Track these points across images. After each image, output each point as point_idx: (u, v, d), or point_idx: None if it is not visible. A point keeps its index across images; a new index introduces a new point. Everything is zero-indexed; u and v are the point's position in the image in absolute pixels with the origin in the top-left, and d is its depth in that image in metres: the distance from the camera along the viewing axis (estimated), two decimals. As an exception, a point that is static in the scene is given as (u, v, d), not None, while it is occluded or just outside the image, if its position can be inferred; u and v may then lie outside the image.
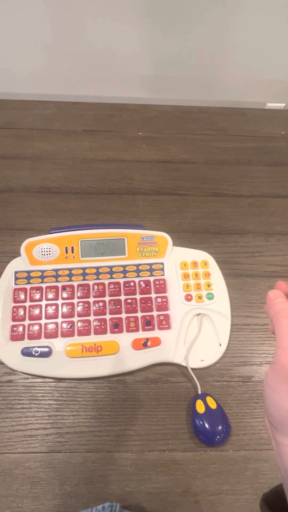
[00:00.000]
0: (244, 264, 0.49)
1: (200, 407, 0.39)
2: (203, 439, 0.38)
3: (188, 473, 0.38)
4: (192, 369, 0.41)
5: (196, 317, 0.44)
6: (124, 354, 0.41)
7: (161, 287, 0.44)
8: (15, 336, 0.41)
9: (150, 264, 0.45)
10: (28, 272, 0.44)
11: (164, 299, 0.44)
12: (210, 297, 0.44)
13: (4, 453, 0.38)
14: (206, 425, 0.38)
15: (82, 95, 0.63)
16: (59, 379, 0.41)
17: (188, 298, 0.44)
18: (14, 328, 0.41)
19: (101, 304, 0.43)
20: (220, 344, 0.43)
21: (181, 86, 0.63)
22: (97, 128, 0.60)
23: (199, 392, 0.40)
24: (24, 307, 0.42)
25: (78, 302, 0.43)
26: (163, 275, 0.45)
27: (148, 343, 0.41)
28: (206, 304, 0.44)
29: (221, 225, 0.52)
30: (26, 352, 0.40)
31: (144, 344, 0.41)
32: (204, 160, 0.58)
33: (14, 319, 0.42)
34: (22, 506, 0.36)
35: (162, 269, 0.45)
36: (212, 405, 0.39)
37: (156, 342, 0.42)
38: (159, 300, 0.44)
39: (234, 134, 0.61)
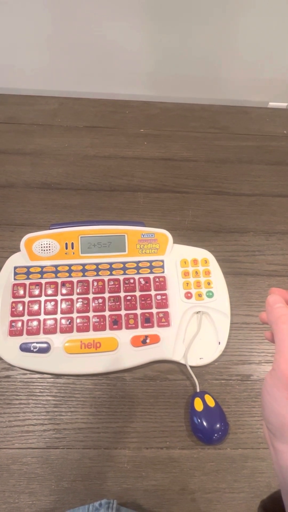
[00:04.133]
0: (245, 263, 0.49)
1: (198, 405, 0.39)
2: (201, 437, 0.38)
3: (186, 470, 0.38)
4: (191, 367, 0.41)
5: (195, 315, 0.44)
6: (123, 351, 0.41)
7: (161, 284, 0.44)
8: (14, 332, 0.41)
9: (150, 261, 0.45)
10: (28, 267, 0.44)
11: (163, 297, 0.43)
12: (210, 295, 0.44)
13: (1, 448, 0.38)
14: (204, 423, 0.38)
15: (84, 91, 0.62)
16: (58, 375, 0.41)
17: (188, 295, 0.44)
18: (13, 324, 0.41)
19: (100, 300, 0.43)
20: (219, 343, 0.42)
21: (183, 83, 0.63)
22: (99, 124, 0.59)
23: (198, 390, 0.40)
24: (23, 303, 0.42)
25: (78, 298, 0.43)
26: (163, 272, 0.45)
27: (147, 340, 0.41)
28: (206, 302, 0.43)
29: (221, 224, 0.52)
30: (25, 348, 0.40)
31: (143, 341, 0.41)
32: (206, 158, 0.57)
33: (13, 315, 0.41)
34: (18, 502, 0.36)
35: (162, 267, 0.45)
36: (211, 403, 0.39)
37: (155, 339, 0.41)
38: (158, 297, 0.43)
39: (236, 132, 0.60)
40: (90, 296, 0.43)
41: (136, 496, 0.36)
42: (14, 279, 0.43)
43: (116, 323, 0.42)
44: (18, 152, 0.55)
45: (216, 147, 0.59)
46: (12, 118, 0.59)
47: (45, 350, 0.40)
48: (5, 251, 0.46)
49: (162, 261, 0.45)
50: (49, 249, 0.44)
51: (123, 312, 0.42)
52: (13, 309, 0.42)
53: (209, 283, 0.44)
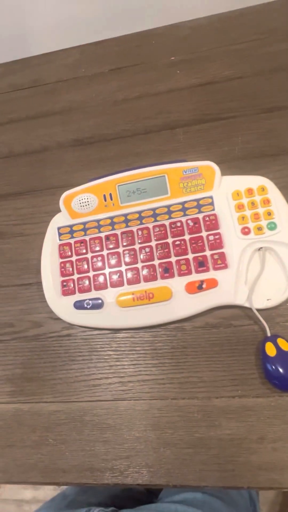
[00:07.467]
0: (313, 186, 0.41)
1: (270, 350, 0.34)
2: (277, 383, 0.34)
3: (263, 419, 0.34)
4: (258, 310, 0.36)
5: (257, 252, 0.38)
6: (178, 300, 0.38)
7: (212, 223, 0.39)
8: (66, 291, 0.41)
9: (197, 200, 0.40)
10: (70, 226, 0.42)
11: (217, 236, 0.39)
12: (272, 227, 0.37)
13: (73, 401, 0.39)
14: (280, 369, 0.34)
15: (104, 38, 0.56)
16: (115, 330, 0.40)
17: (245, 231, 0.38)
18: (64, 283, 0.41)
19: (147, 249, 0.40)
20: (289, 280, 0.36)
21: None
22: (124, 64, 0.54)
23: (268, 335, 0.36)
24: (71, 262, 0.41)
25: (124, 251, 0.40)
26: (213, 210, 0.40)
27: (204, 286, 0.37)
28: (268, 236, 0.37)
29: (279, 145, 0.44)
30: (79, 306, 0.40)
31: (199, 287, 0.37)
32: (252, 71, 0.48)
33: (63, 274, 0.41)
34: (94, 449, 0.37)
35: (212, 203, 0.40)
36: (285, 347, 0.34)
37: (213, 284, 0.37)
38: (211, 238, 0.39)
39: (287, 32, 0.49)
40: (136, 246, 0.40)
41: (211, 445, 0.34)
42: (59, 239, 0.42)
43: (167, 271, 0.39)
44: (47, 113, 0.53)
45: (263, 56, 0.49)
46: (36, 80, 0.56)
47: (98, 306, 0.39)
48: (50, 215, 0.46)
49: (211, 197, 0.40)
50: (88, 204, 0.42)
51: (173, 259, 0.39)
52: (62, 269, 0.41)
53: (269, 214, 0.38)
